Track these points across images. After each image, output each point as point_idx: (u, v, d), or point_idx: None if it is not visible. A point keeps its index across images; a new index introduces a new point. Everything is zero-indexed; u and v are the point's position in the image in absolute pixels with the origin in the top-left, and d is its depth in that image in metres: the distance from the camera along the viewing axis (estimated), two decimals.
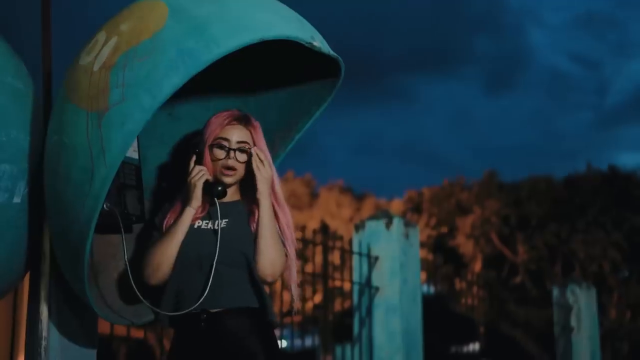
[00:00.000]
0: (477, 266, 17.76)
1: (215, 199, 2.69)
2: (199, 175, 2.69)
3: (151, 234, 2.77)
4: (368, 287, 6.15)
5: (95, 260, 2.83)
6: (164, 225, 2.74)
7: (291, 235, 2.73)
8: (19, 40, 2.78)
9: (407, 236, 6.35)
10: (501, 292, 17.23)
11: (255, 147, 2.72)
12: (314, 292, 6.57)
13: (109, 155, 2.37)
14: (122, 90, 2.37)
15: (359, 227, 6.37)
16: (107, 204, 2.65)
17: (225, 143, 2.73)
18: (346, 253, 6.28)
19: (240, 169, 2.73)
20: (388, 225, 6.26)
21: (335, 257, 6.60)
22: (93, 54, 2.49)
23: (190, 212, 2.68)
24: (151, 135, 3.01)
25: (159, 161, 3.04)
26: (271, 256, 2.65)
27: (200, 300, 2.58)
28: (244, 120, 2.77)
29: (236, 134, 2.74)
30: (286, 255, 2.70)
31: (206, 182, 2.70)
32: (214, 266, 2.60)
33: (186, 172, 2.73)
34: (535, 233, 16.74)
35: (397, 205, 20.03)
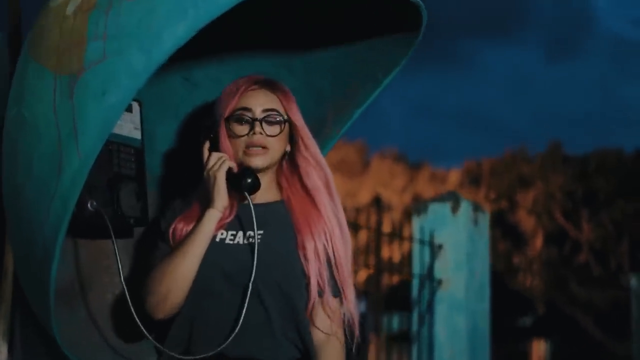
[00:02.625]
0: (538, 243, 16.86)
1: (247, 194, 1.92)
2: (218, 163, 1.93)
3: (156, 244, 2.02)
4: (429, 280, 5.40)
5: (82, 276, 2.10)
6: (174, 233, 1.98)
7: (347, 263, 1.97)
8: None
9: (476, 222, 5.56)
10: (563, 271, 16.37)
11: None
12: (367, 264, 5.81)
13: (83, 139, 1.63)
14: (103, 43, 1.62)
15: (420, 210, 5.58)
16: (93, 202, 1.91)
17: (246, 114, 1.97)
18: (400, 235, 5.52)
19: (273, 147, 1.98)
20: (454, 209, 5.48)
21: (386, 226, 5.83)
22: None
23: (213, 217, 1.92)
24: (161, 106, 2.26)
25: (171, 142, 2.29)
26: None
27: (223, 346, 1.85)
28: (268, 84, 2.01)
29: (261, 100, 1.98)
30: (340, 298, 1.99)
31: (230, 173, 1.94)
32: (247, 298, 1.85)
33: (201, 163, 1.98)
34: (602, 210, 15.75)
35: (454, 175, 19.09)
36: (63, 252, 2.02)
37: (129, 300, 1.84)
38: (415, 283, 5.43)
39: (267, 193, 2.01)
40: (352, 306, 1.98)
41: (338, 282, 1.96)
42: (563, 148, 17.41)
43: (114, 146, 2.02)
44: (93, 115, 1.61)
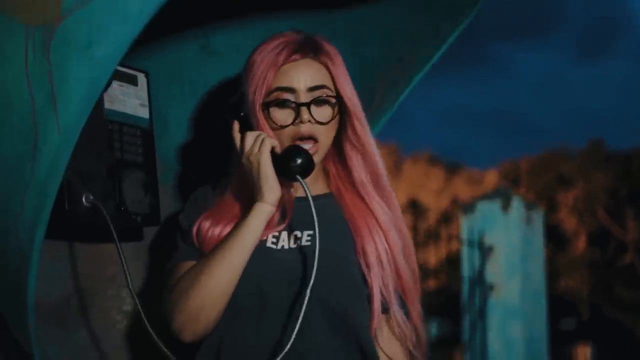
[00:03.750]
0: (581, 244, 16.30)
1: (300, 178, 1.49)
2: (257, 144, 1.50)
3: (175, 247, 1.61)
4: (480, 285, 4.96)
5: (81, 289, 1.70)
6: (199, 233, 1.56)
7: (409, 270, 1.57)
8: None
9: (529, 221, 5.11)
10: (607, 272, 15.80)
11: None
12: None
13: (64, 108, 1.24)
14: None
15: (467, 209, 5.15)
16: (89, 195, 1.52)
17: (288, 96, 1.54)
18: (449, 236, 5.09)
19: (325, 137, 1.56)
20: (505, 207, 5.04)
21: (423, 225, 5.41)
22: None
23: (263, 214, 1.48)
24: (173, 81, 1.86)
25: (187, 124, 1.89)
26: None
27: None
28: (311, 47, 1.56)
29: (305, 75, 1.54)
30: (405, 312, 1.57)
31: (273, 155, 1.51)
32: (300, 319, 1.42)
33: (231, 149, 1.58)
34: None
35: (491, 176, 18.58)
36: (56, 260, 1.65)
37: (144, 317, 1.43)
38: (465, 288, 5.01)
39: (314, 184, 1.58)
40: (419, 323, 1.57)
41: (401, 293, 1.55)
42: (604, 146, 16.86)
43: (116, 126, 1.63)
44: (76, 75, 1.22)
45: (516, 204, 5.03)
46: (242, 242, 1.47)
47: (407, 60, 1.72)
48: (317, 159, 1.55)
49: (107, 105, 1.61)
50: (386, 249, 1.54)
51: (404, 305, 1.56)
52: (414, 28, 1.71)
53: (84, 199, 1.52)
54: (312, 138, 1.54)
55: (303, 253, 1.51)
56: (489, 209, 5.08)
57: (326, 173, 1.63)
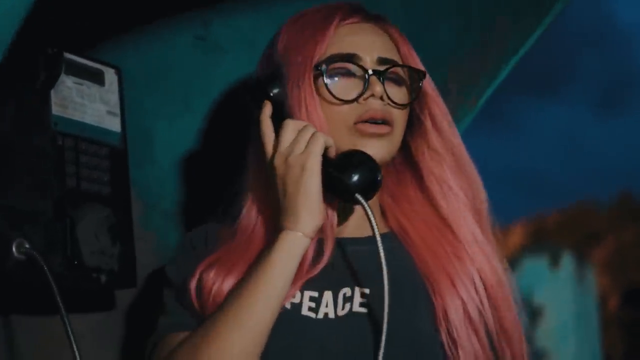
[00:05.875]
0: (613, 302, 15.68)
1: (362, 200, 1.00)
2: (305, 136, 1.00)
3: (163, 311, 1.07)
4: (529, 350, 4.41)
5: None
6: (201, 288, 1.03)
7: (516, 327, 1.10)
8: None
9: (582, 278, 4.57)
10: None
11: None
12: None
13: None
14: None
15: (513, 265, 4.62)
16: (23, 242, 1.04)
17: (351, 67, 1.06)
18: None
19: (399, 127, 1.07)
20: (554, 262, 4.51)
21: None
22: None
23: (294, 246, 0.99)
24: (161, 86, 1.35)
25: (181, 145, 1.37)
26: None
27: None
28: (371, 14, 1.11)
29: (371, 42, 1.08)
30: None
31: (326, 162, 1.00)
32: None
33: (250, 153, 1.10)
34: None
35: (517, 234, 18.05)
36: None
37: None
38: None
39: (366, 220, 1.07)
40: None
41: None
42: (634, 199, 16.39)
43: (69, 141, 1.13)
44: None
45: (566, 260, 4.51)
46: (266, 289, 0.97)
47: (493, 43, 1.21)
48: (390, 151, 1.06)
49: (56, 110, 1.11)
50: (479, 307, 1.04)
51: None
52: (487, 5, 1.20)
53: (14, 249, 1.02)
54: (385, 122, 1.05)
55: (359, 325, 1.01)
56: (536, 265, 4.55)
57: (379, 207, 1.12)
